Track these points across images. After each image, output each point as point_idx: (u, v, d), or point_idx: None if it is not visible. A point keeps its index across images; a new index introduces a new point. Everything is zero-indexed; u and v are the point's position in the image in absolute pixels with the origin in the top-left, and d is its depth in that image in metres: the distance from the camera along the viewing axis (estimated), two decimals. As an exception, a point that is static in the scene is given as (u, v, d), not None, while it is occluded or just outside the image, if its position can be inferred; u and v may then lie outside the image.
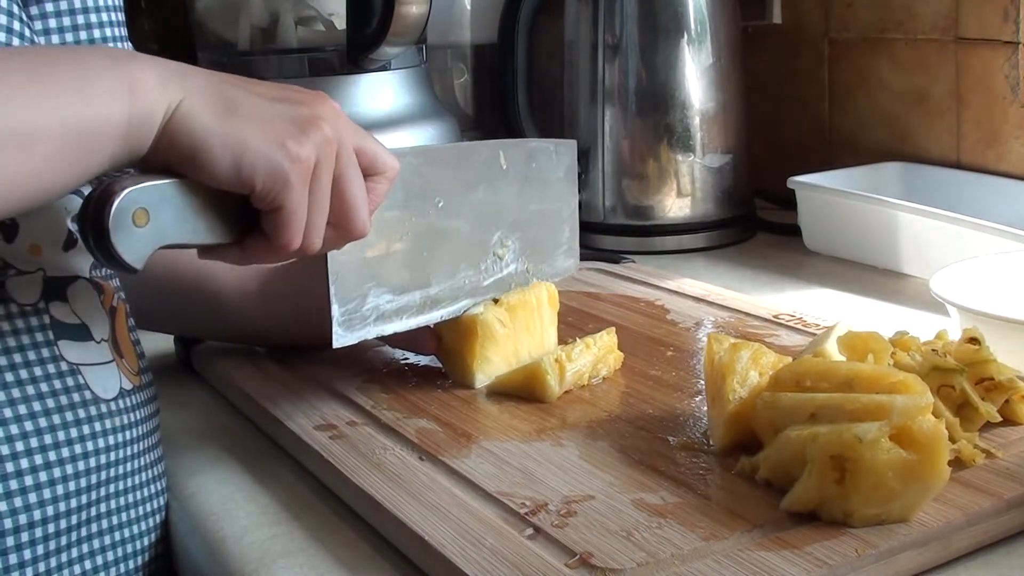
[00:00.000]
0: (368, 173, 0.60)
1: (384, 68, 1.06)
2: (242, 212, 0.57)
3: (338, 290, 0.67)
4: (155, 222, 0.53)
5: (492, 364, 0.73)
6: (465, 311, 0.74)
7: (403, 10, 0.97)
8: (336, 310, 0.67)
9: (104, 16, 0.62)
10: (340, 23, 1.07)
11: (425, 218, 0.72)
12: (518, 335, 0.75)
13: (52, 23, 0.60)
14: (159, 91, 0.52)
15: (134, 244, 0.53)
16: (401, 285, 0.71)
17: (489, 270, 0.77)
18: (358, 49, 1.02)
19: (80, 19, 0.61)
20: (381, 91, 1.07)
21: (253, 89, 0.56)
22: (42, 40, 0.58)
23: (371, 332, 0.70)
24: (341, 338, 0.68)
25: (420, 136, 1.07)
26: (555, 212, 0.82)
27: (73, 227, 0.62)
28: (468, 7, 1.32)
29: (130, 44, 0.67)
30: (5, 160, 0.47)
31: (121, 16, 0.65)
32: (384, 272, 0.70)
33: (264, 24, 1.09)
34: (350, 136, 0.58)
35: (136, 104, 0.51)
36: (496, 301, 0.75)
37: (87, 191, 0.54)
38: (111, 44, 0.63)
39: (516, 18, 1.18)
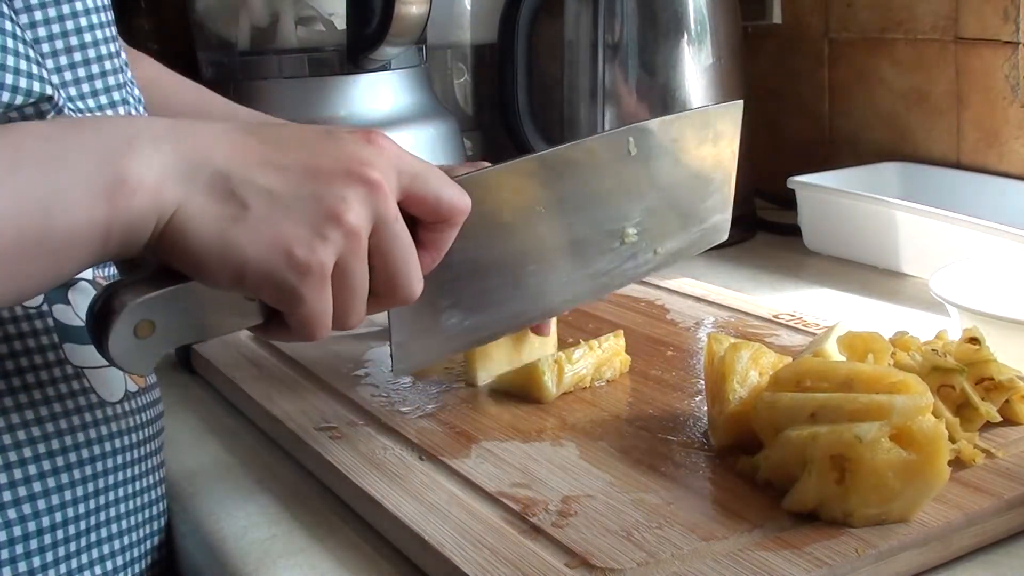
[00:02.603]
0: (429, 220, 0.55)
1: (384, 68, 1.06)
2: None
3: (397, 325, 0.62)
4: (161, 330, 0.50)
5: (493, 361, 0.73)
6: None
7: (403, 10, 0.97)
8: (395, 341, 0.62)
9: (90, 2, 0.60)
10: (340, 23, 1.07)
11: (522, 232, 0.66)
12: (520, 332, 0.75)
13: (38, 15, 0.58)
14: (151, 196, 0.47)
15: (139, 355, 0.50)
16: (480, 304, 0.65)
17: (608, 263, 0.71)
18: (358, 49, 1.02)
19: (65, 8, 0.59)
20: (381, 91, 1.07)
21: (274, 171, 0.50)
22: (28, 34, 0.57)
23: (442, 352, 0.66)
24: (403, 368, 0.64)
25: (420, 136, 1.07)
26: (701, 182, 0.76)
27: None
28: (468, 7, 1.32)
29: (117, 41, 0.64)
30: None
31: (107, 0, 0.62)
32: (459, 295, 0.64)
33: (264, 24, 1.09)
34: (390, 197, 0.52)
35: (118, 211, 0.46)
36: None
37: None
38: (97, 31, 0.60)
39: (516, 18, 1.18)
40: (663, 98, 1.15)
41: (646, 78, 1.15)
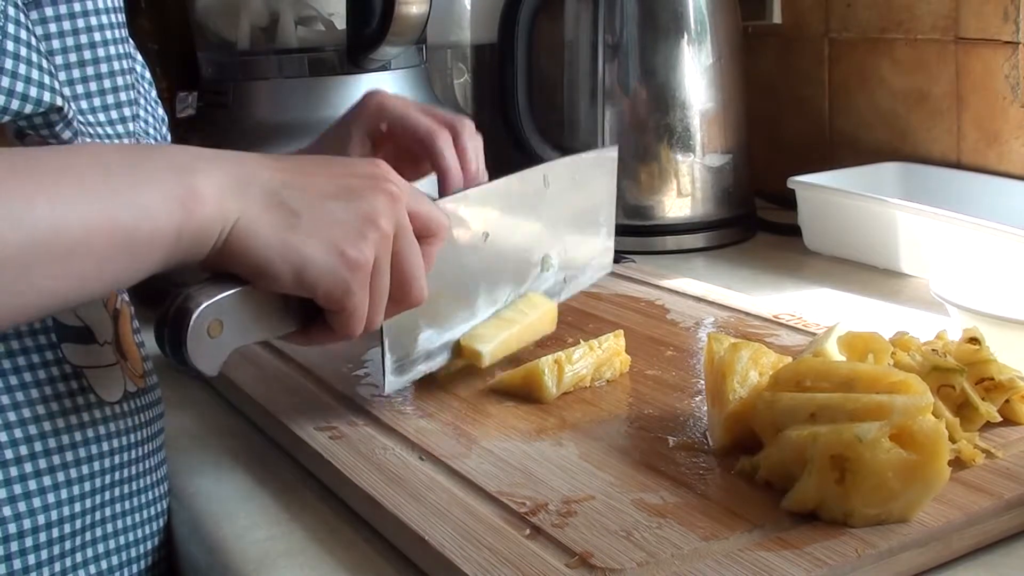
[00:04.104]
0: (421, 236, 0.61)
1: (384, 68, 1.06)
2: (304, 301, 0.58)
3: (392, 343, 0.68)
4: (228, 330, 0.56)
5: (486, 338, 0.74)
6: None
7: (403, 10, 0.97)
8: (389, 359, 0.68)
9: (104, 19, 0.62)
10: (340, 23, 1.07)
11: (474, 254, 0.73)
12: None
13: (52, 28, 0.59)
14: (216, 207, 0.53)
15: (211, 354, 0.56)
16: (449, 322, 0.72)
17: (531, 286, 0.79)
18: (358, 49, 1.02)
19: (80, 23, 0.61)
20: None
21: (312, 187, 0.57)
22: (43, 46, 0.58)
23: (420, 371, 0.71)
24: (393, 384, 0.69)
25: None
26: (593, 216, 0.83)
27: None
28: (468, 7, 1.32)
29: (132, 43, 0.66)
30: (52, 266, 0.48)
31: (122, 17, 0.65)
32: (434, 314, 0.70)
33: (264, 24, 1.09)
34: (405, 209, 0.59)
35: (189, 218, 0.52)
36: None
37: None
38: (111, 47, 0.63)
39: (516, 18, 1.18)
40: (663, 98, 1.15)
41: (646, 78, 1.15)
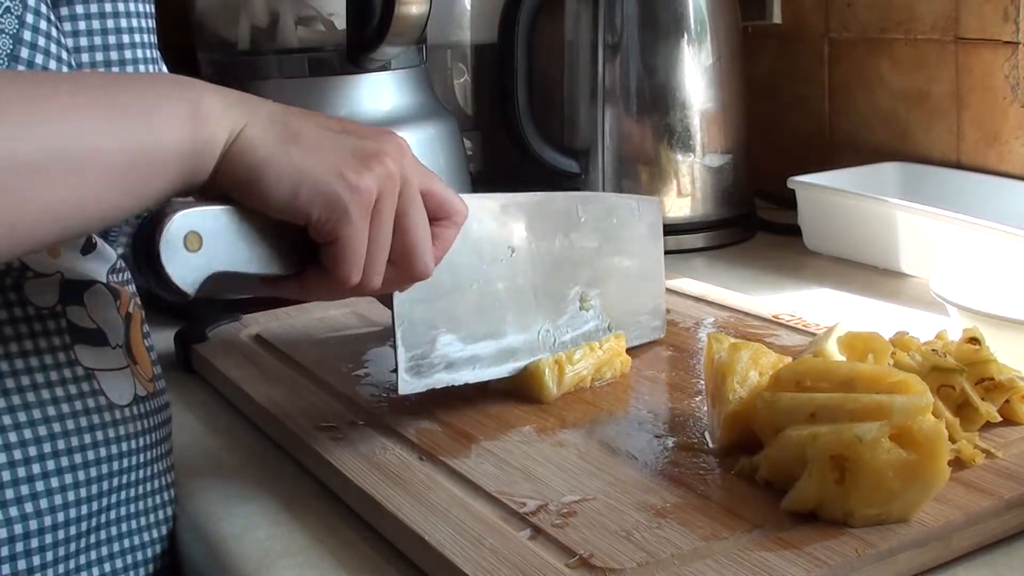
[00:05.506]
0: (435, 217, 0.59)
1: (384, 68, 1.06)
2: (300, 245, 0.56)
3: (405, 335, 0.66)
4: (208, 247, 0.53)
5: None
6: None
7: (403, 10, 0.97)
8: (403, 355, 0.66)
9: (135, 22, 0.62)
10: (340, 23, 1.07)
11: (497, 266, 0.70)
12: None
13: (81, 25, 0.60)
14: (223, 117, 0.53)
15: (186, 269, 0.53)
16: (472, 334, 0.69)
17: (570, 324, 0.75)
18: (358, 49, 1.02)
19: (110, 23, 0.61)
20: (381, 91, 1.07)
21: (317, 121, 0.56)
22: (70, 42, 0.58)
23: (441, 380, 0.68)
24: (408, 384, 0.67)
25: (420, 136, 1.06)
26: (639, 271, 0.80)
27: (117, 250, 0.61)
28: (468, 7, 1.32)
29: (158, 53, 0.67)
30: (69, 183, 0.47)
31: (152, 23, 0.64)
32: (454, 319, 0.68)
33: (264, 24, 1.09)
34: (415, 175, 0.57)
35: (199, 130, 0.52)
36: None
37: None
38: (139, 51, 0.62)
39: (516, 18, 1.18)
40: (663, 98, 1.15)
41: (646, 78, 1.15)
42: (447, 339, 0.68)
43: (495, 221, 0.70)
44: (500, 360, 0.71)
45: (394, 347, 0.66)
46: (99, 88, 0.51)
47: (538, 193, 0.74)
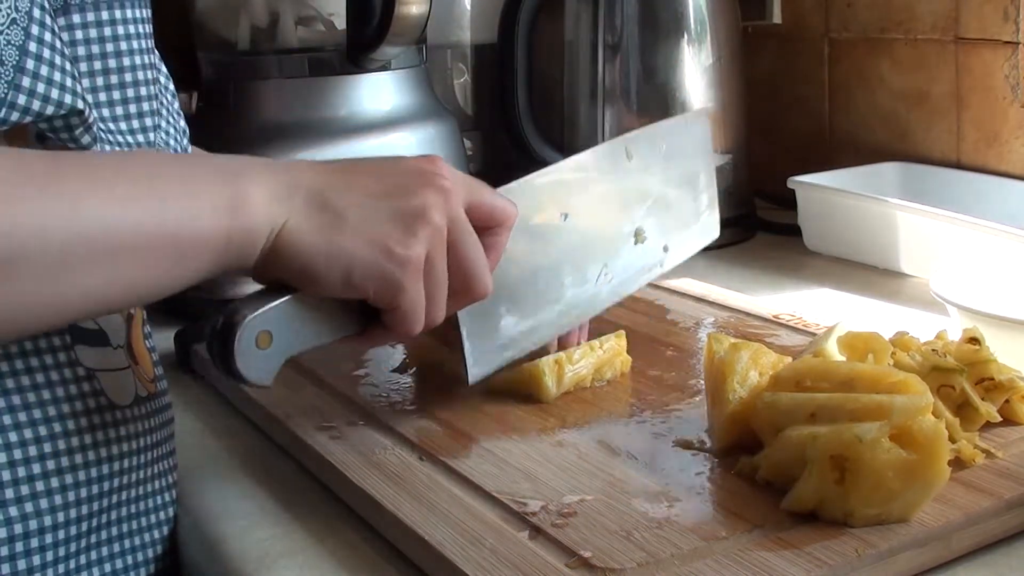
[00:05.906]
0: (486, 227, 0.61)
1: (384, 68, 1.06)
2: (361, 304, 0.58)
3: (470, 333, 0.67)
4: (278, 341, 0.56)
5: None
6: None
7: (403, 10, 0.97)
8: (469, 349, 0.67)
9: (132, 28, 0.62)
10: (340, 23, 1.07)
11: (555, 237, 0.71)
12: None
13: (79, 35, 0.60)
14: (263, 211, 0.54)
15: (261, 365, 0.56)
16: (533, 306, 0.70)
17: (626, 262, 0.75)
18: (358, 49, 1.02)
19: (107, 31, 0.61)
20: (381, 91, 1.07)
21: (358, 185, 0.57)
22: (68, 51, 0.58)
23: (504, 359, 0.69)
24: (476, 376, 0.68)
25: (420, 136, 1.06)
26: (691, 183, 0.80)
27: None
28: (468, 7, 1.32)
29: (158, 55, 0.67)
30: (97, 266, 0.49)
31: (150, 28, 0.65)
32: (514, 300, 0.69)
33: (264, 24, 1.09)
34: (460, 202, 0.59)
35: (237, 223, 0.53)
36: None
37: None
38: (137, 57, 0.63)
39: (516, 18, 1.18)
40: (663, 98, 1.15)
41: (646, 78, 1.15)
42: (509, 321, 0.69)
43: (541, 199, 0.70)
44: (560, 319, 0.72)
45: (460, 342, 0.67)
46: (138, 172, 0.52)
47: (583, 154, 0.74)
